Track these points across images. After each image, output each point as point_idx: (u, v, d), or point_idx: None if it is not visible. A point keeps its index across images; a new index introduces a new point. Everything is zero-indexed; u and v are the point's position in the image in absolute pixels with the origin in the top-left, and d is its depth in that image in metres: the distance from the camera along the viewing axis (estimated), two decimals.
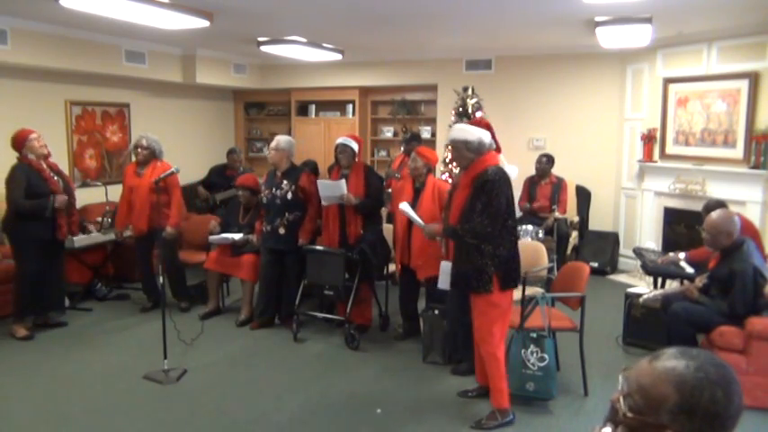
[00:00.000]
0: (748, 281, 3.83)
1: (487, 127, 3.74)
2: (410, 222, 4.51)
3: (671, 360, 1.09)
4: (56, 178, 4.88)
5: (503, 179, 3.42)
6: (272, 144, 5.14)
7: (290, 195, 4.97)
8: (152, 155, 5.44)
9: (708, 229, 4.05)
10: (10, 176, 4.75)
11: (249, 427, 3.55)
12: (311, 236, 5.13)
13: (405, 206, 4.15)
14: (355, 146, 4.97)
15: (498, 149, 3.79)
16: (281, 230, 4.99)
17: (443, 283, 3.82)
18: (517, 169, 3.80)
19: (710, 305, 3.98)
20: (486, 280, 3.39)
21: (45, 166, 4.84)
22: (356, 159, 5.00)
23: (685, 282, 4.35)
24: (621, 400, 1.12)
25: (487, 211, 3.33)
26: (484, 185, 3.35)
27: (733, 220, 4.01)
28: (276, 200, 4.99)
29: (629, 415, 1.10)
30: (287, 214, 4.98)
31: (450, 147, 3.66)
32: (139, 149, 5.44)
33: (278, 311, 5.26)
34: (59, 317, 5.21)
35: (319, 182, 4.99)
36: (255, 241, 5.25)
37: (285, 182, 5.00)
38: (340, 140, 5.00)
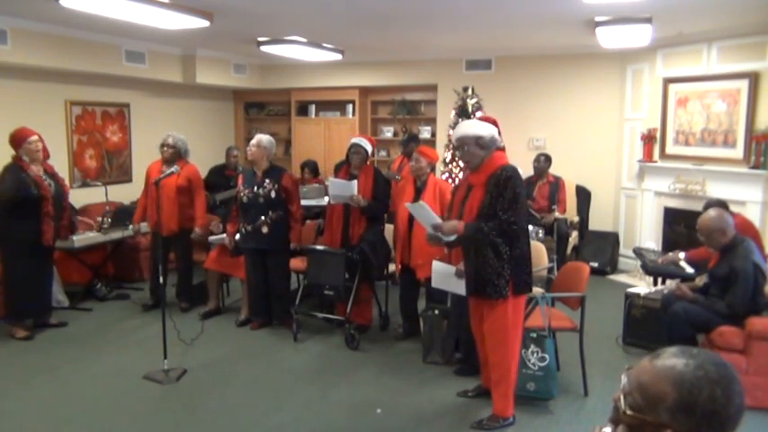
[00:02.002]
0: (749, 278, 3.82)
1: (494, 124, 3.64)
2: (411, 222, 4.50)
3: (671, 358, 1.09)
4: (47, 182, 4.82)
5: (519, 177, 3.36)
6: (254, 141, 5.10)
7: (273, 194, 4.94)
8: (177, 154, 5.43)
9: (700, 231, 4.05)
10: (0, 176, 4.72)
11: (249, 427, 3.55)
12: (300, 237, 5.12)
13: (417, 206, 3.76)
14: (369, 148, 4.98)
15: (502, 148, 3.71)
16: (265, 229, 4.95)
17: (436, 282, 3.80)
18: (519, 169, 3.73)
19: (707, 304, 3.98)
20: (502, 285, 3.29)
21: (38, 168, 4.80)
22: (368, 162, 4.99)
23: (676, 281, 4.35)
24: (622, 398, 1.12)
25: (513, 208, 3.24)
26: (506, 182, 3.26)
27: (722, 217, 4.00)
28: (259, 198, 4.94)
29: (629, 413, 1.10)
30: (270, 213, 4.95)
31: (457, 145, 3.48)
32: (165, 147, 5.44)
33: (270, 313, 5.23)
34: (47, 319, 5.17)
35: (330, 180, 4.98)
36: (228, 243, 5.18)
37: (267, 181, 4.97)
38: (355, 140, 5.00)
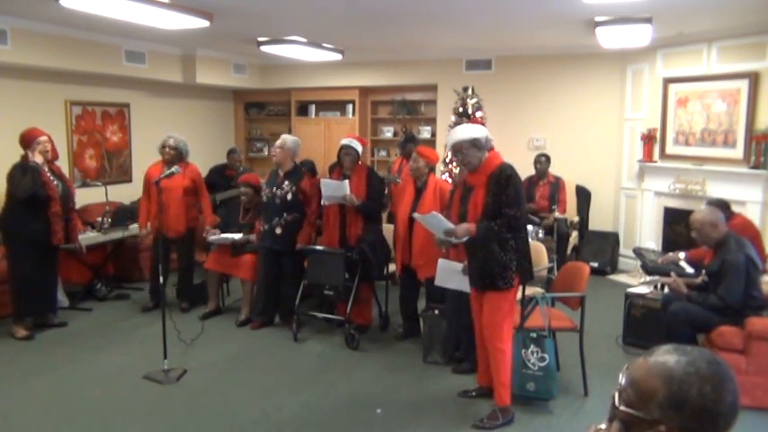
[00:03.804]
0: (740, 269, 3.84)
1: (483, 125, 3.76)
2: (411, 222, 4.50)
3: (663, 355, 1.10)
4: (55, 183, 4.83)
5: (518, 173, 3.50)
6: (278, 143, 5.11)
7: (290, 196, 4.97)
8: (179, 155, 5.42)
9: (693, 227, 4.11)
10: (11, 174, 4.72)
11: (249, 427, 3.55)
12: (310, 239, 5.12)
13: (430, 217, 3.71)
14: (360, 148, 4.97)
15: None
16: (278, 230, 4.97)
17: (440, 280, 3.83)
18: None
19: (701, 300, 3.98)
20: (510, 276, 3.43)
21: (47, 169, 4.82)
22: (359, 162, 5.00)
23: (673, 275, 4.35)
24: (617, 395, 1.14)
25: (517, 204, 3.40)
26: (507, 181, 3.39)
27: (713, 212, 4.08)
28: (276, 199, 4.98)
29: (622, 409, 1.11)
30: (285, 215, 4.98)
31: (454, 151, 3.57)
32: (167, 149, 5.42)
33: (276, 311, 5.26)
34: (53, 319, 5.19)
35: (323, 181, 4.97)
36: (255, 240, 5.24)
37: (287, 182, 5.00)
38: (345, 141, 4.99)
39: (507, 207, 3.38)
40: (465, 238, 3.47)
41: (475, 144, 3.46)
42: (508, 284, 3.43)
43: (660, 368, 1.08)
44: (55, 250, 4.99)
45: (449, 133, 3.85)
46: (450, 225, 3.53)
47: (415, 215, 4.01)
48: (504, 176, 3.41)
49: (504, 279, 3.43)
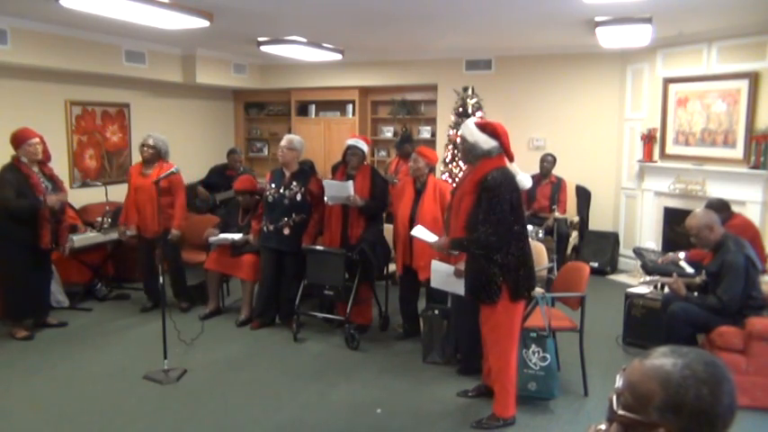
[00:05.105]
0: (739, 270, 3.84)
1: (496, 133, 3.36)
2: (411, 223, 4.50)
3: (660, 358, 1.10)
4: (45, 185, 4.79)
5: (503, 184, 3.24)
6: (284, 143, 5.09)
7: (299, 197, 4.97)
8: (157, 155, 5.38)
9: (690, 233, 4.10)
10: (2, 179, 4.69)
11: (249, 427, 3.55)
12: (314, 240, 5.13)
13: (417, 230, 3.94)
14: (366, 148, 4.99)
15: (510, 158, 3.46)
16: (286, 231, 4.97)
17: (436, 282, 3.83)
18: (529, 177, 3.53)
19: (700, 301, 3.98)
20: (494, 290, 3.28)
21: (36, 170, 4.79)
22: (365, 162, 5.00)
23: (674, 275, 4.35)
24: (614, 397, 1.14)
25: (490, 220, 3.19)
26: (486, 193, 3.23)
27: (708, 214, 4.09)
28: (284, 200, 4.97)
29: (621, 412, 1.11)
30: (293, 215, 4.98)
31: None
32: (145, 148, 5.39)
33: (278, 311, 5.26)
34: (46, 319, 5.16)
35: (326, 182, 4.96)
36: (252, 240, 5.23)
37: (295, 183, 5.00)
38: (351, 142, 4.99)
39: (481, 223, 3.20)
40: (455, 252, 3.51)
41: (463, 144, 3.42)
42: (491, 298, 3.29)
43: (657, 371, 1.08)
44: (46, 252, 4.96)
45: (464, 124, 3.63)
46: (431, 239, 3.63)
47: (414, 231, 4.01)
48: (483, 188, 3.21)
49: (488, 293, 3.29)
